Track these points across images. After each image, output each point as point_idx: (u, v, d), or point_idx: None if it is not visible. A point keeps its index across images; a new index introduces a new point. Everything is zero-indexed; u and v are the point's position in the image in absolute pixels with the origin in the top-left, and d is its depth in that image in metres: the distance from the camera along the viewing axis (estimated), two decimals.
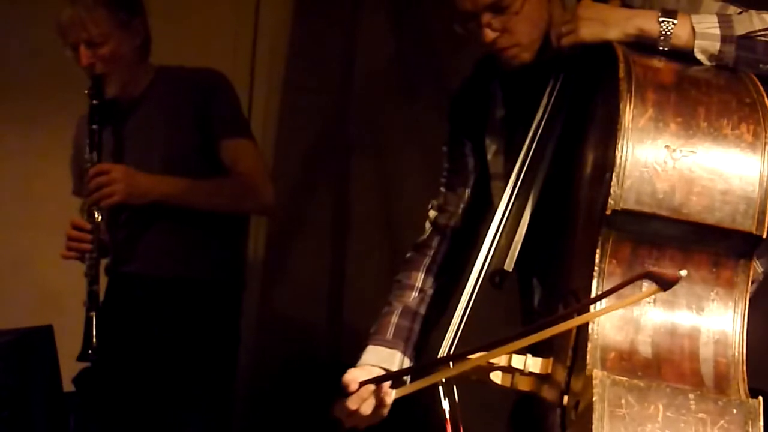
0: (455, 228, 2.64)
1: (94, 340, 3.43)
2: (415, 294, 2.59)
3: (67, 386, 3.63)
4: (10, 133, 4.68)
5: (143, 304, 3.60)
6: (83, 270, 3.51)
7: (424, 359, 2.54)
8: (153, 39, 3.65)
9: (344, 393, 2.36)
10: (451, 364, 2.26)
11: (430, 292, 2.60)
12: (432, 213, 2.66)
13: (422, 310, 2.59)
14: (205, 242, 3.60)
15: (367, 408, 2.37)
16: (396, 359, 2.50)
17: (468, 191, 2.63)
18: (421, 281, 2.61)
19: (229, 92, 3.66)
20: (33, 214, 4.56)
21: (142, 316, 3.59)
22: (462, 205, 2.64)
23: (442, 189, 2.67)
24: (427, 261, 2.63)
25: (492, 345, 2.19)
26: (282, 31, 4.56)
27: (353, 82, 4.43)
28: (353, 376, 2.39)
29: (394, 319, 2.55)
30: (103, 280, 3.64)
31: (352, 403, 2.36)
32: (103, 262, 3.63)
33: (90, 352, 3.44)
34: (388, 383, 2.37)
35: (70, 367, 3.57)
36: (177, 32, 4.28)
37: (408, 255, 2.67)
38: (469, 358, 2.24)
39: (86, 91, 3.54)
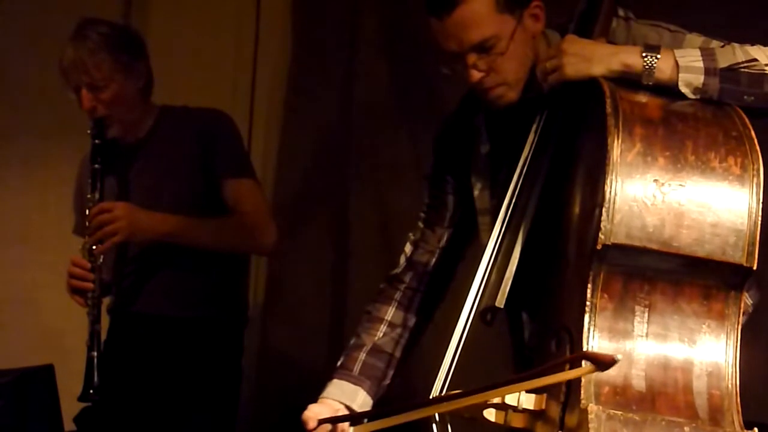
0: (430, 267, 2.65)
1: (96, 379, 3.42)
2: (384, 328, 2.62)
3: (69, 425, 3.62)
4: (10, 171, 4.66)
5: (145, 342, 3.59)
6: (85, 309, 3.48)
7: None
8: (153, 76, 3.64)
9: (303, 429, 2.45)
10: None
11: (399, 330, 2.62)
12: (408, 247, 2.68)
13: (397, 353, 2.62)
14: (208, 280, 3.58)
15: None
16: (359, 396, 2.56)
17: (446, 231, 2.65)
18: (391, 315, 2.64)
19: (233, 133, 3.65)
20: (33, 253, 4.54)
21: (144, 354, 3.58)
22: (438, 244, 2.65)
23: (420, 224, 2.68)
24: (398, 296, 2.65)
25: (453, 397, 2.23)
26: (281, 68, 4.57)
27: (352, 116, 4.44)
28: (314, 413, 2.46)
29: (362, 355, 2.60)
30: (106, 320, 3.62)
31: None
32: (105, 302, 3.63)
33: (91, 392, 3.42)
34: (347, 422, 2.43)
35: (71, 406, 3.55)
36: (177, 70, 4.27)
37: (381, 286, 2.69)
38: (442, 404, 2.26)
39: (88, 131, 3.53)
